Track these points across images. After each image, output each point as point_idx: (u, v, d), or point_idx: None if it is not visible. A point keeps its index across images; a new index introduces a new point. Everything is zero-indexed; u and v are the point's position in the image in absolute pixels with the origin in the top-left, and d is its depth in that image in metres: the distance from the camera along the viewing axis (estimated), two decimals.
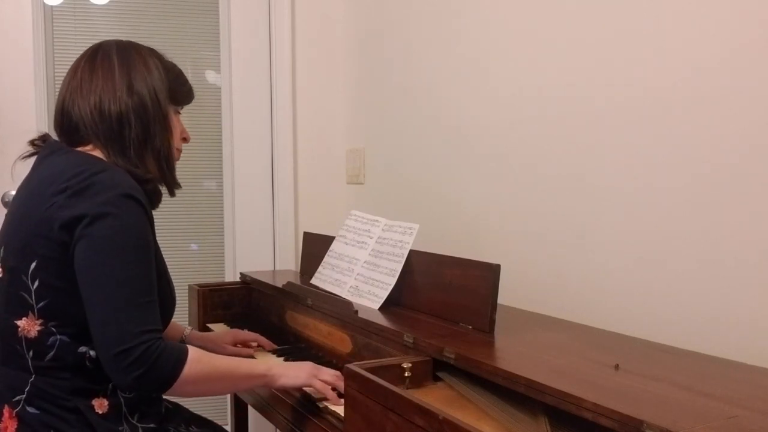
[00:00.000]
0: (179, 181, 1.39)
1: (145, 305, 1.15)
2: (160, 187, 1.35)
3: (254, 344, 1.64)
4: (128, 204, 1.17)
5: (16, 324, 1.19)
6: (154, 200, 1.31)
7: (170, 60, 1.39)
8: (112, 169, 1.22)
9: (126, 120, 1.27)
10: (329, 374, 1.29)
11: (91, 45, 1.35)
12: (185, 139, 1.41)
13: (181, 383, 1.15)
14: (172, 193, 1.39)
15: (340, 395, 1.23)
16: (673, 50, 1.30)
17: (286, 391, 1.35)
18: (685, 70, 1.28)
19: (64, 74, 1.34)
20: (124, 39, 1.37)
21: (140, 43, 1.37)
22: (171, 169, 1.36)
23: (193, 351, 1.18)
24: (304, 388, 1.30)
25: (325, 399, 1.26)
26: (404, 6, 2.17)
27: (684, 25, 1.28)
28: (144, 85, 1.29)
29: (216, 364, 1.22)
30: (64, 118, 1.30)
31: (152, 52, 1.36)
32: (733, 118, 1.20)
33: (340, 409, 1.16)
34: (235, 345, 1.64)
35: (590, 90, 1.48)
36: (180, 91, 1.38)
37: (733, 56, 1.20)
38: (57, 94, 1.33)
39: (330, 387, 1.27)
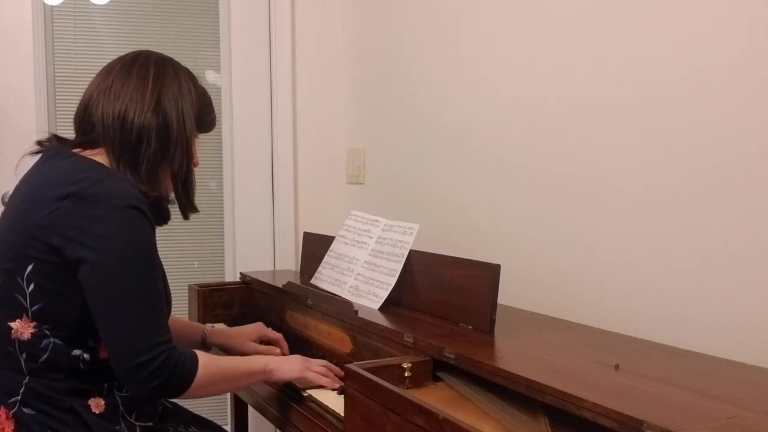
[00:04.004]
0: (197, 205, 1.38)
1: (157, 317, 1.18)
2: (170, 207, 1.34)
3: (277, 350, 1.62)
4: (134, 216, 1.17)
5: (9, 326, 1.18)
6: (159, 217, 1.30)
7: (202, 86, 1.39)
8: (115, 176, 1.21)
9: (146, 136, 1.25)
10: (319, 364, 1.38)
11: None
12: (194, 164, 1.39)
13: (194, 388, 1.19)
14: (185, 216, 1.38)
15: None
16: (673, 50, 1.30)
17: (276, 384, 1.40)
18: (685, 70, 1.28)
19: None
20: (163, 54, 1.36)
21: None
22: (188, 193, 1.35)
23: (202, 356, 1.22)
24: (292, 381, 1.36)
25: (310, 388, 1.34)
26: (404, 6, 2.17)
27: (684, 25, 1.27)
28: (173, 105, 1.28)
29: (222, 367, 1.27)
30: (85, 115, 1.28)
31: (189, 74, 1.36)
32: (733, 118, 1.20)
33: (339, 409, 1.17)
34: (259, 342, 1.62)
35: (590, 90, 1.48)
36: (206, 119, 1.39)
37: (733, 56, 1.20)
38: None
39: (319, 378, 1.35)
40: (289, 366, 1.34)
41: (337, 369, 1.37)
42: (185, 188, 1.34)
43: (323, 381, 1.34)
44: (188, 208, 1.37)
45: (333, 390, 1.34)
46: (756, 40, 1.16)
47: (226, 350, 1.63)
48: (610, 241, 1.44)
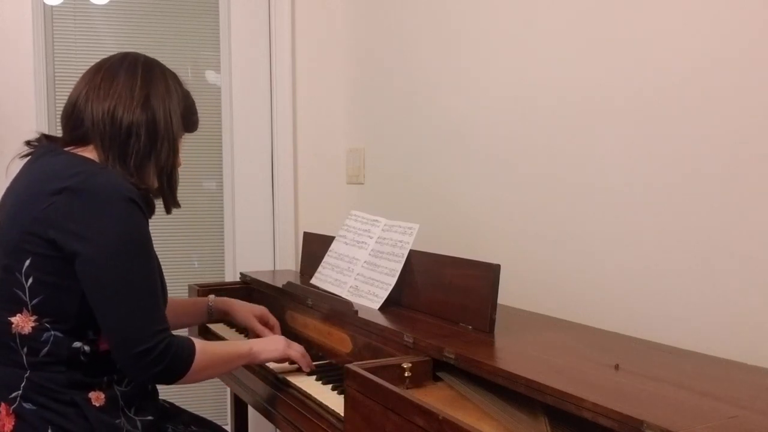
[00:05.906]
0: (179, 200, 1.42)
1: (156, 305, 1.22)
2: (156, 202, 1.37)
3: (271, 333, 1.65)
4: (129, 207, 1.19)
5: (9, 321, 1.20)
6: (147, 210, 1.31)
7: (186, 88, 1.43)
8: (107, 170, 1.24)
9: (135, 131, 1.28)
10: (300, 346, 1.44)
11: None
12: (178, 164, 1.41)
13: (191, 373, 1.24)
14: (168, 211, 1.41)
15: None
16: (673, 50, 1.30)
17: (260, 365, 1.48)
18: (685, 70, 1.28)
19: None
20: (149, 55, 1.40)
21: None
22: (172, 188, 1.38)
23: (197, 343, 1.26)
24: (267, 363, 1.45)
25: (285, 372, 1.42)
26: (404, 6, 2.17)
27: (684, 25, 1.27)
28: (161, 104, 1.32)
29: (215, 352, 1.32)
30: (73, 112, 1.31)
31: (175, 76, 1.40)
32: (733, 118, 1.20)
33: (339, 409, 1.17)
34: (261, 323, 1.64)
35: (590, 90, 1.48)
36: (190, 119, 1.43)
37: (733, 56, 1.20)
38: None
39: (302, 357, 1.42)
40: (273, 347, 1.40)
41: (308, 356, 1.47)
42: (169, 184, 1.38)
43: (303, 362, 1.41)
44: (171, 203, 1.40)
45: (307, 373, 1.42)
46: (756, 40, 1.16)
47: (229, 318, 1.69)
48: (610, 241, 1.44)
